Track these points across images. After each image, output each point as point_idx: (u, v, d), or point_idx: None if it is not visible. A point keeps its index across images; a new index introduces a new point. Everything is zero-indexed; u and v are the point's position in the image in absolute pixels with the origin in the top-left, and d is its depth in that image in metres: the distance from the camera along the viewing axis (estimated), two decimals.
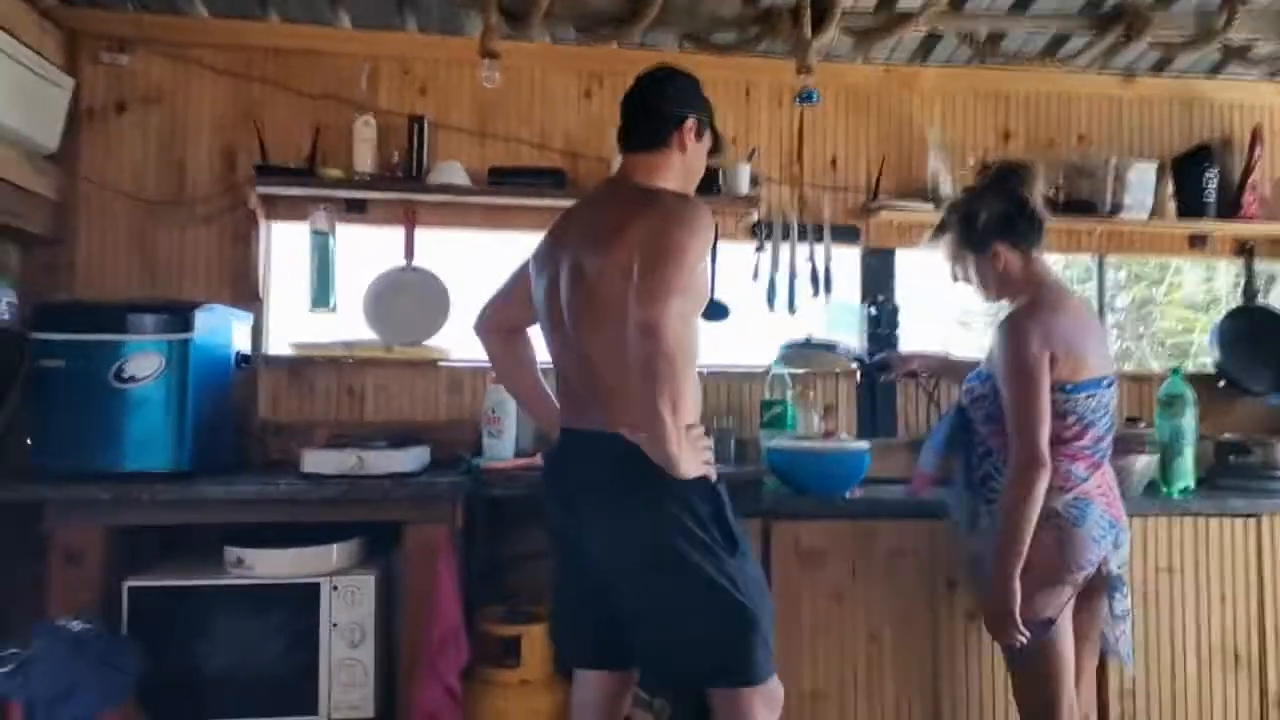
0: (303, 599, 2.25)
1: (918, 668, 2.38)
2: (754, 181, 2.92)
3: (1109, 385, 2.05)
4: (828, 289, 2.94)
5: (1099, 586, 2.07)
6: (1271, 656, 2.47)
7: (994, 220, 2.04)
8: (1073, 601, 2.02)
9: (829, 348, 2.80)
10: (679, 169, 1.90)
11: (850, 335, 3.06)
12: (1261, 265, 3.23)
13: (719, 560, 1.71)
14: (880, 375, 2.63)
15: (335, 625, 2.26)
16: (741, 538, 1.77)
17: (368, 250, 2.89)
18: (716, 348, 3.00)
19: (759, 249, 2.93)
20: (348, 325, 2.82)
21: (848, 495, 2.46)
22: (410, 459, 2.40)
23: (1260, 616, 2.47)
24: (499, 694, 2.37)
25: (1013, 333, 1.97)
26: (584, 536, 1.83)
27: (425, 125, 2.78)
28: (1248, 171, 3.08)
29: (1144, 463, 2.51)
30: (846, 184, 3.04)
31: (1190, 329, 5.44)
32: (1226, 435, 2.87)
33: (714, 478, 1.76)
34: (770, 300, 2.93)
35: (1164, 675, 2.44)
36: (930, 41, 2.93)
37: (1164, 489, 2.56)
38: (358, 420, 2.84)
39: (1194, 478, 2.59)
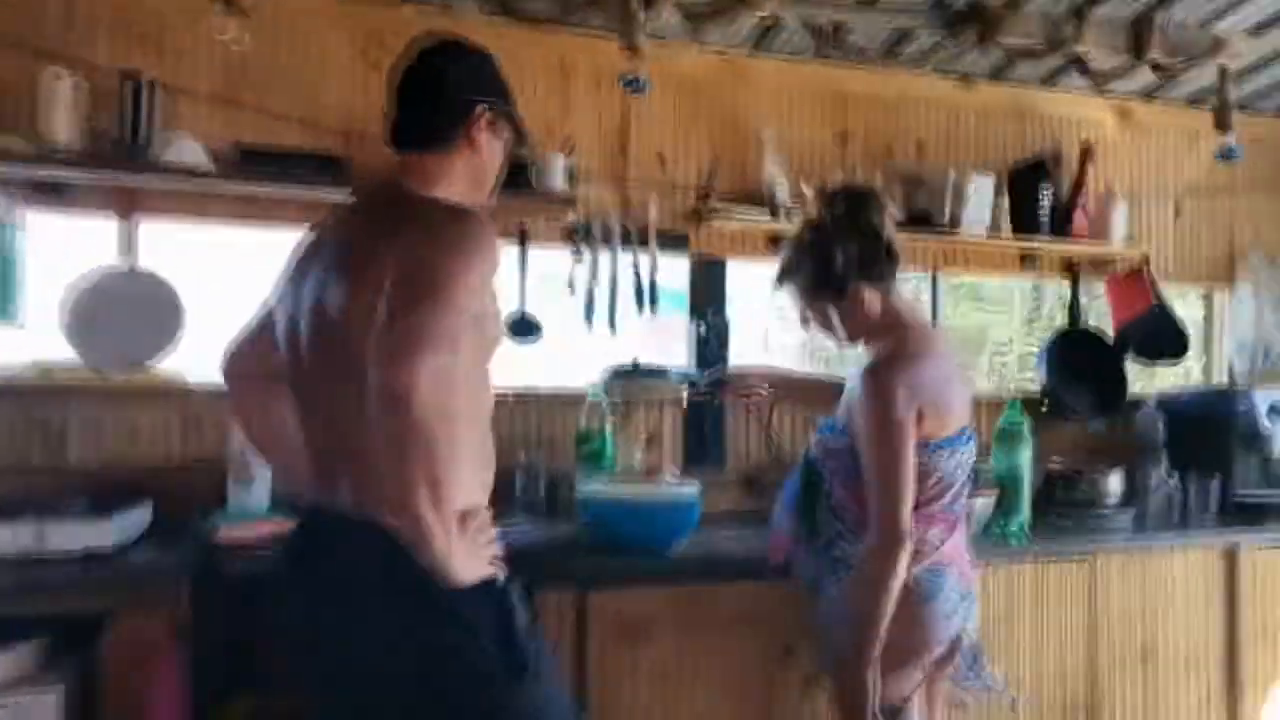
0: None
1: None
2: (571, 177, 2.51)
3: (968, 440, 1.82)
4: (653, 303, 2.58)
5: (948, 658, 1.85)
6: (1102, 703, 2.37)
7: (852, 259, 1.75)
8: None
9: (659, 374, 2.46)
10: (467, 172, 1.48)
11: (678, 354, 2.74)
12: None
13: (496, 686, 1.31)
14: (715, 396, 2.31)
15: None
16: (535, 657, 1.37)
17: (75, 246, 2.24)
18: (526, 369, 2.60)
19: (576, 256, 2.52)
20: (40, 342, 2.17)
21: (671, 552, 2.11)
22: (115, 528, 1.83)
23: (1092, 662, 2.36)
24: None
25: (877, 390, 1.69)
26: (330, 647, 1.38)
27: (147, 87, 2.15)
28: (1077, 189, 2.99)
29: (983, 504, 2.34)
30: (675, 182, 2.68)
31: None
32: (1055, 462, 2.78)
33: (500, 578, 1.35)
34: (588, 315, 2.54)
35: None
36: (771, 29, 2.62)
37: (999, 527, 2.41)
38: (56, 466, 2.19)
39: (1029, 514, 2.45)
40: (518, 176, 2.38)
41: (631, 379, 2.40)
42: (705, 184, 2.65)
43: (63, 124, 2.07)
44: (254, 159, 2.20)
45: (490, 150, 1.50)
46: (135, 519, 1.94)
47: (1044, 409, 3.02)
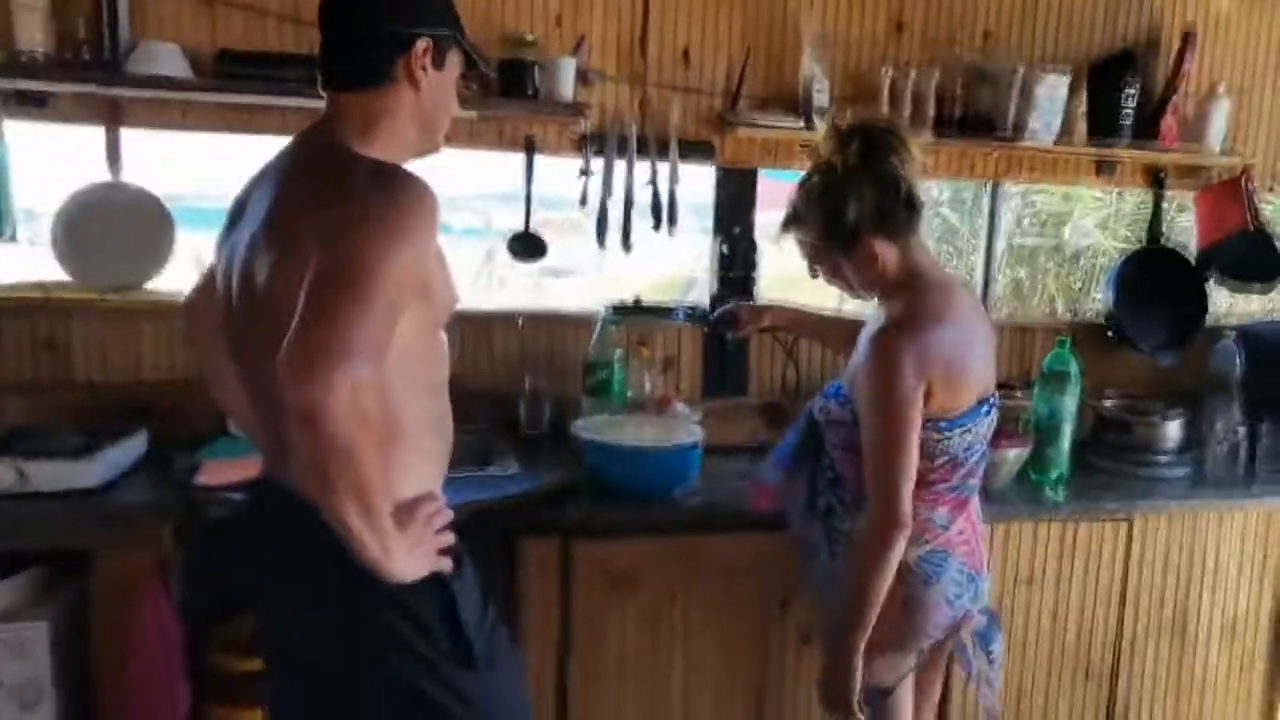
0: None
1: (742, 698, 2.05)
2: (583, 79, 2.28)
3: (988, 412, 1.64)
4: (672, 220, 2.39)
5: (947, 640, 1.75)
6: (1125, 670, 2.25)
7: (866, 211, 1.53)
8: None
9: (663, 312, 2.31)
10: (412, 113, 1.31)
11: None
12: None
13: (444, 675, 1.26)
14: (727, 333, 2.15)
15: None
16: (486, 648, 1.31)
17: (61, 154, 2.16)
18: (536, 291, 2.47)
19: (586, 172, 2.32)
20: (36, 256, 2.14)
21: (675, 496, 2.02)
22: (99, 469, 1.81)
23: (1119, 628, 2.22)
24: None
25: (883, 359, 1.51)
26: (279, 621, 1.36)
27: None
28: (1171, 87, 2.60)
29: (1015, 455, 2.16)
30: (700, 85, 2.41)
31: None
32: (1108, 403, 2.55)
33: (448, 570, 1.28)
34: (600, 234, 2.37)
35: (1010, 694, 2.18)
36: None
37: (1034, 477, 2.23)
38: (64, 380, 2.20)
39: (1068, 464, 2.26)
40: (521, 83, 2.18)
41: (632, 317, 2.24)
42: (734, 86, 2.38)
43: (33, 30, 1.95)
44: (233, 64, 2.04)
45: (436, 87, 1.32)
46: (126, 452, 1.93)
47: (1108, 335, 2.77)
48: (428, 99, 1.32)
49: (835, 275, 1.67)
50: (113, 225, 2.13)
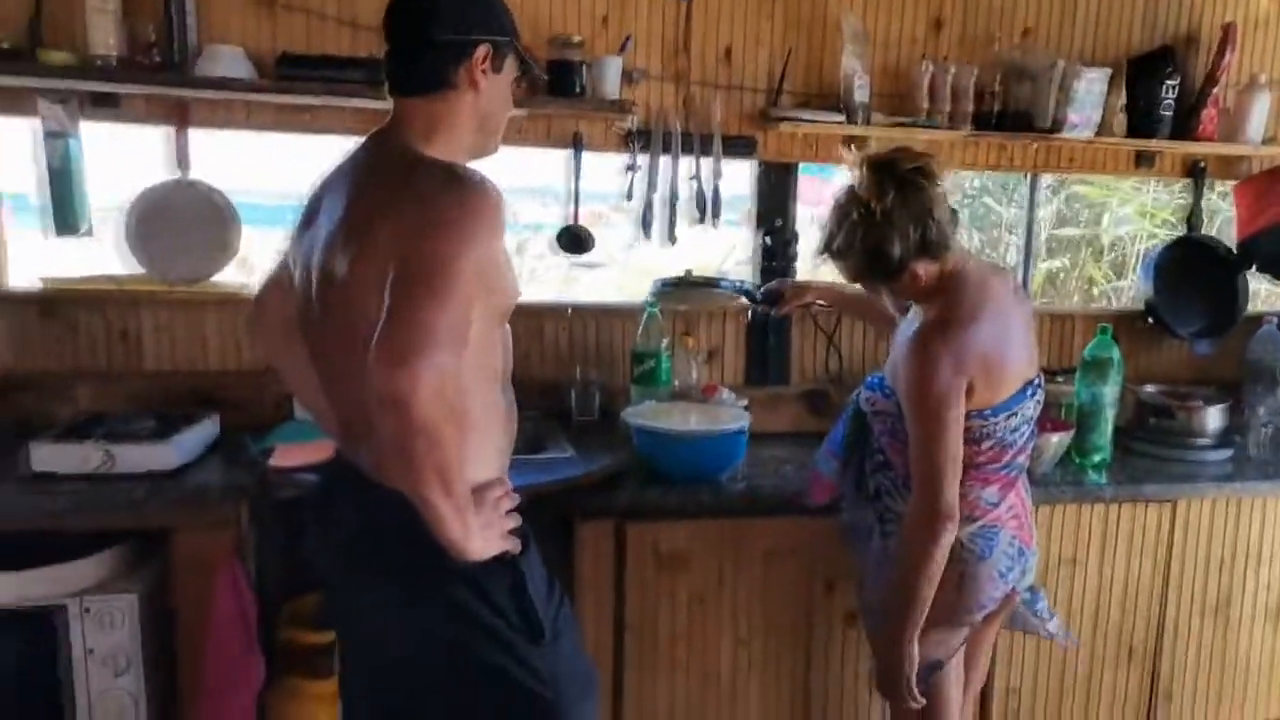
0: (46, 626, 1.81)
1: (788, 676, 2.11)
2: (628, 79, 2.35)
3: (1033, 394, 1.69)
4: (715, 214, 2.45)
5: (996, 612, 1.80)
6: (1167, 648, 2.28)
7: (908, 247, 1.57)
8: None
9: (711, 284, 2.35)
10: (472, 117, 1.38)
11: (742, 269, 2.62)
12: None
13: (516, 651, 1.33)
14: (772, 309, 2.20)
15: (91, 652, 1.83)
16: (552, 623, 1.38)
17: (130, 154, 2.26)
18: (582, 284, 2.54)
19: (632, 167, 2.39)
20: (107, 251, 2.24)
21: (724, 479, 2.08)
22: (177, 451, 1.91)
23: (1162, 609, 2.26)
24: (309, 707, 2.01)
25: (922, 358, 1.57)
26: (355, 598, 1.44)
27: None
28: (1211, 80, 2.62)
29: (1058, 440, 2.20)
30: (743, 83, 2.47)
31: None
32: (1148, 388, 2.57)
33: (517, 549, 1.35)
34: (645, 227, 2.43)
35: (1054, 670, 2.23)
36: None
37: (1077, 461, 2.27)
38: (135, 369, 2.30)
39: (1110, 449, 2.30)
40: (568, 82, 2.25)
41: (682, 289, 2.29)
42: (776, 83, 2.44)
43: (106, 34, 2.04)
44: (293, 66, 2.12)
45: (495, 91, 1.38)
46: (200, 435, 2.03)
47: (1147, 321, 2.79)
48: (487, 102, 1.38)
49: (875, 292, 1.74)
50: (180, 221, 2.22)
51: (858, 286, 2.22)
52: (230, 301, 2.31)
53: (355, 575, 1.40)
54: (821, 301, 2.19)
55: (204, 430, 2.06)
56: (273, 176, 2.46)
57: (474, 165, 1.36)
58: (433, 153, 1.34)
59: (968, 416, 1.58)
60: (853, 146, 1.73)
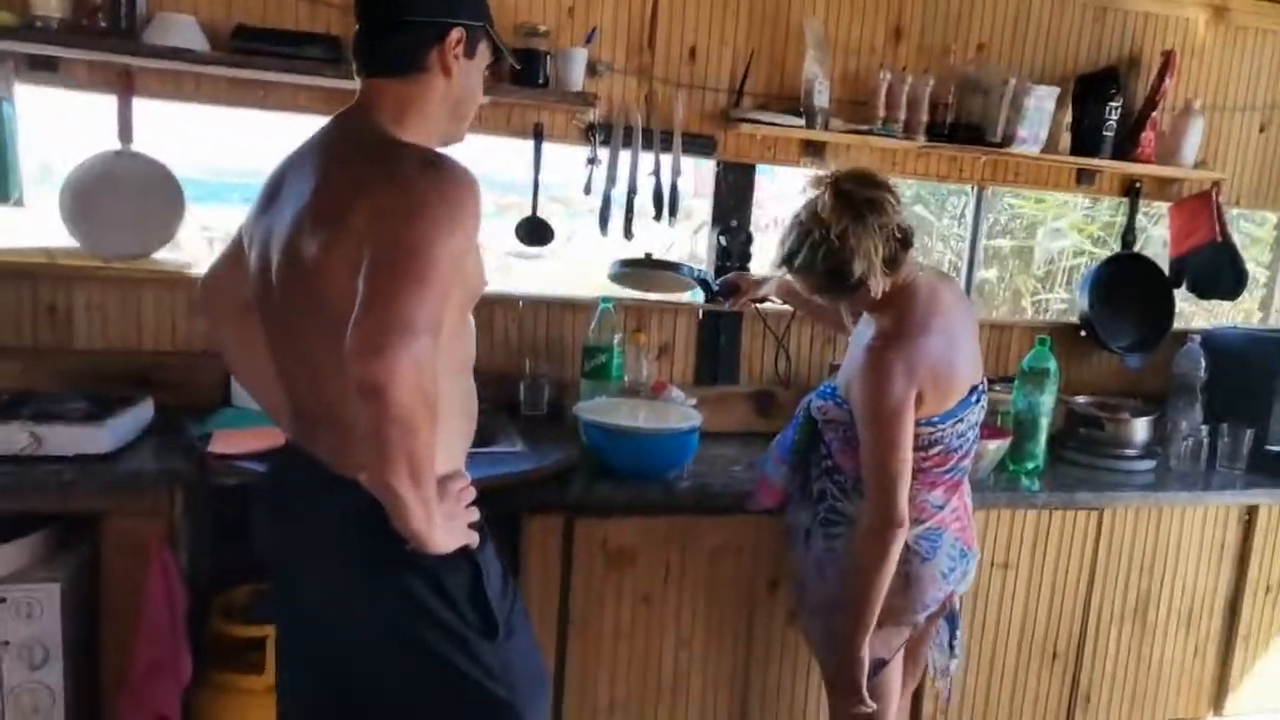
0: None
1: (727, 675, 2.13)
2: (591, 70, 2.33)
3: (978, 400, 1.74)
4: (673, 210, 2.45)
5: (936, 612, 1.85)
6: (1089, 652, 2.37)
7: (865, 265, 1.59)
8: None
9: (671, 267, 2.36)
10: (441, 101, 1.35)
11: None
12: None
13: (470, 647, 1.32)
14: (727, 301, 2.22)
15: (6, 644, 1.76)
16: (506, 618, 1.38)
17: (71, 121, 2.16)
18: (537, 275, 2.51)
19: (592, 160, 2.37)
20: (40, 222, 2.14)
21: (671, 477, 2.09)
22: (109, 435, 1.83)
23: (1085, 613, 2.35)
24: (238, 703, 1.96)
25: (876, 371, 1.60)
26: (305, 589, 1.40)
27: None
28: (1150, 104, 2.72)
29: (995, 447, 2.27)
30: (705, 82, 2.47)
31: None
32: (1079, 399, 2.67)
33: (476, 544, 1.33)
34: (603, 221, 2.42)
35: (981, 673, 2.31)
36: None
37: (1011, 467, 2.35)
38: (64, 346, 2.21)
39: (1044, 457, 2.38)
40: (534, 72, 2.23)
41: (640, 270, 2.29)
42: (738, 84, 2.45)
43: None
44: (249, 39, 2.06)
45: (467, 76, 1.36)
46: (134, 419, 1.95)
47: (1080, 334, 2.89)
48: (458, 88, 1.35)
49: (833, 305, 1.77)
50: (120, 194, 2.13)
51: None
52: (170, 280, 2.23)
53: (308, 565, 1.37)
54: (775, 298, 2.21)
55: (139, 413, 1.98)
56: (215, 152, 2.37)
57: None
58: (403, 137, 1.31)
59: (917, 424, 1.62)
60: (815, 167, 1.75)
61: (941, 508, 1.74)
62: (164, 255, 2.22)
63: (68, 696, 1.80)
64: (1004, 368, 2.80)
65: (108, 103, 2.11)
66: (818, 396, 1.79)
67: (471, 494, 1.36)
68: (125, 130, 2.13)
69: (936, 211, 5.07)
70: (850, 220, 1.57)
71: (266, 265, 1.33)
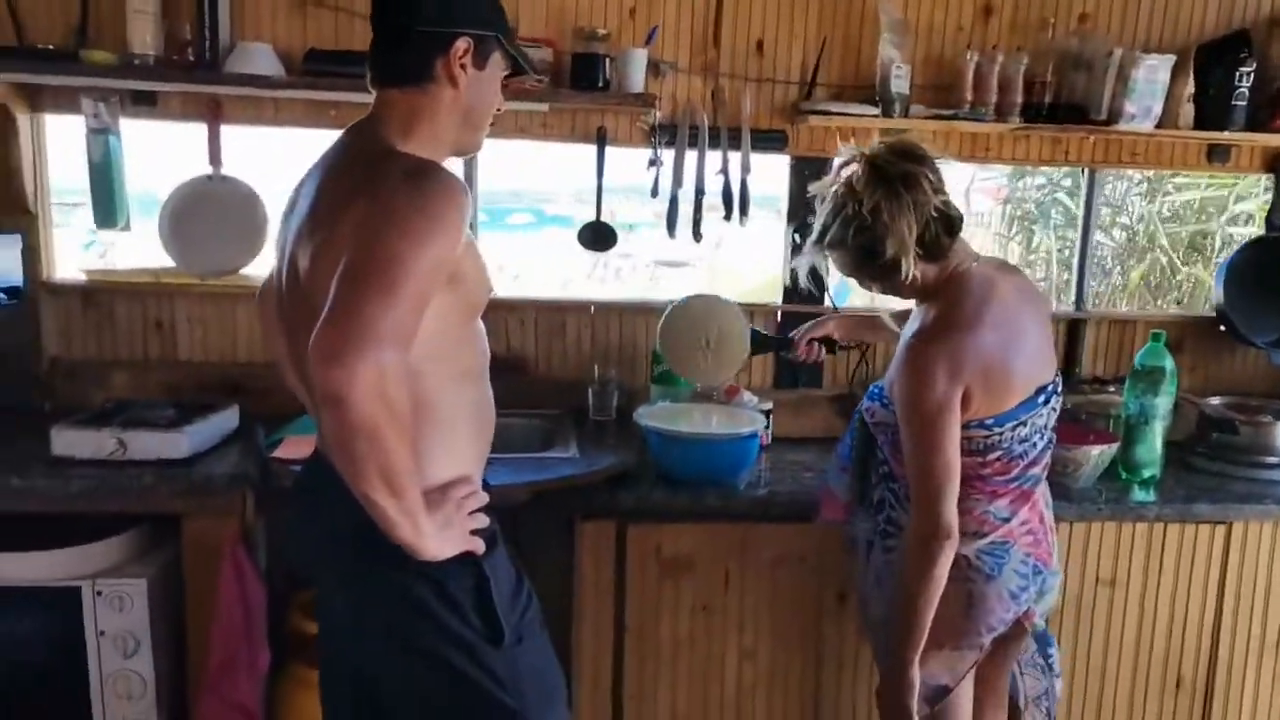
0: (62, 605, 1.88)
1: (796, 689, 2.03)
2: (654, 71, 2.30)
3: (1046, 401, 1.57)
4: (743, 211, 2.38)
5: (1013, 635, 1.68)
6: (1220, 684, 2.10)
7: (901, 245, 1.48)
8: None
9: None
10: (450, 111, 1.34)
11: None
12: None
13: (476, 653, 1.30)
14: (788, 356, 2.12)
15: (103, 634, 1.90)
16: (515, 626, 1.35)
17: (167, 151, 2.33)
18: (605, 279, 2.50)
19: (655, 163, 2.33)
20: (146, 244, 2.31)
21: (741, 483, 2.01)
22: (188, 441, 1.95)
23: (1214, 641, 2.08)
24: (314, 696, 2.03)
25: (915, 367, 1.48)
26: (323, 593, 1.45)
27: None
28: None
29: (1099, 453, 2.05)
30: (774, 75, 2.39)
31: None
32: (1214, 400, 2.38)
33: (481, 550, 1.32)
34: (671, 224, 2.38)
35: (1090, 699, 2.08)
36: None
37: (1124, 475, 2.12)
38: (170, 358, 2.38)
39: (1161, 464, 2.13)
40: (593, 74, 2.22)
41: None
42: (809, 75, 2.35)
43: (145, 33, 2.11)
44: (320, 62, 2.15)
45: (477, 86, 1.34)
46: (216, 425, 2.07)
47: (1219, 329, 2.59)
48: (468, 98, 1.34)
49: (870, 289, 1.65)
50: (212, 215, 2.28)
51: (862, 311, 2.14)
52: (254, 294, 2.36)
53: (323, 569, 1.40)
54: (834, 336, 2.09)
55: (222, 420, 2.10)
56: (296, 173, 2.49)
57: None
58: (412, 146, 1.31)
59: (968, 426, 1.48)
60: (852, 139, 1.64)
61: (1008, 520, 1.58)
62: (253, 270, 2.35)
63: (158, 685, 1.93)
64: (1126, 367, 2.54)
65: (199, 131, 2.26)
66: (866, 398, 1.68)
67: (477, 501, 1.34)
68: (215, 155, 2.27)
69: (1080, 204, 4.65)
70: (883, 195, 1.47)
71: (280, 275, 1.38)
